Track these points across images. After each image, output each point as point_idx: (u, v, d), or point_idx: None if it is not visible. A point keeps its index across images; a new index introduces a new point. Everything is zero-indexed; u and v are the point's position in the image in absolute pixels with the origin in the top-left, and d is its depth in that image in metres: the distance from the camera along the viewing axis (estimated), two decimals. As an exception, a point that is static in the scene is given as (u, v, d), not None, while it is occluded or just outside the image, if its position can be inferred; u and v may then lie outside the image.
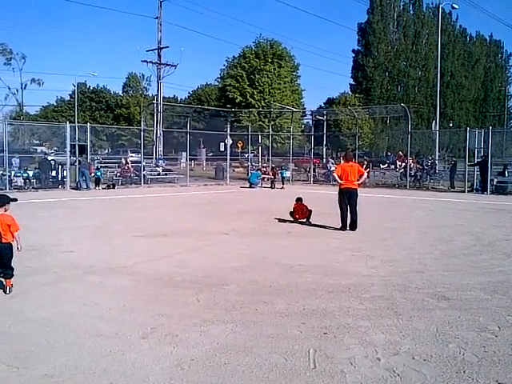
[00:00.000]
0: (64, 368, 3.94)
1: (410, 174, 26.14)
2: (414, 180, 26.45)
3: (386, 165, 31.61)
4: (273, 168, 28.54)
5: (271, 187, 26.11)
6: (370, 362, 4.08)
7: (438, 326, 4.92)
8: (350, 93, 65.31)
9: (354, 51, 67.74)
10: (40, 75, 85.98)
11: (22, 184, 22.20)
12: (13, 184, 21.66)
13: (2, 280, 5.93)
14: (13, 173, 22.03)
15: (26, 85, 67.08)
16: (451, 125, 63.19)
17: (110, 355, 4.19)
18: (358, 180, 11.46)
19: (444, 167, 30.37)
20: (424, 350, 4.31)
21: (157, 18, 38.19)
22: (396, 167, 29.47)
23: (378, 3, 64.74)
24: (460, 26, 74.11)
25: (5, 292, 5.80)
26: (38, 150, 34.99)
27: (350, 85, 68.00)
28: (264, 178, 27.50)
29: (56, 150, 34.90)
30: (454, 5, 41.40)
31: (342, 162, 12.25)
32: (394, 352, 4.28)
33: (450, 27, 70.65)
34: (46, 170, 22.96)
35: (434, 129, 37.80)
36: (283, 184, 26.45)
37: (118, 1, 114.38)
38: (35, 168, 23.40)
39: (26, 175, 22.56)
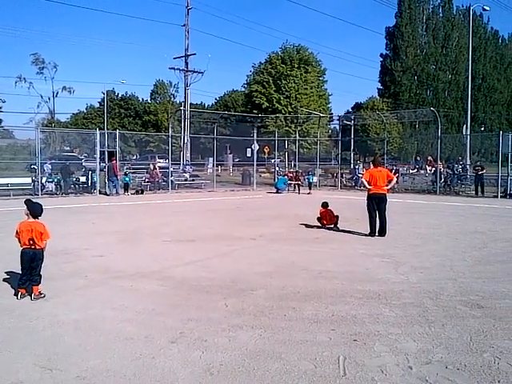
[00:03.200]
0: (96, 371, 3.99)
1: (440, 179, 25.67)
2: (445, 185, 25.98)
3: (416, 170, 31.15)
4: (297, 172, 28.31)
5: (298, 192, 26.01)
6: (401, 371, 4.01)
7: (471, 334, 4.81)
8: (378, 97, 64.74)
9: (381, 55, 67.21)
10: (71, 83, 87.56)
11: (54, 189, 22.64)
12: (44, 189, 22.09)
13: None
14: (44, 179, 22.46)
15: (57, 93, 68.30)
16: (483, 129, 62.00)
17: (140, 359, 4.23)
18: (386, 185, 11.34)
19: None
20: (457, 359, 4.22)
21: (184, 25, 38.67)
22: (426, 172, 29.02)
23: (407, 6, 64.07)
24: (492, 28, 72.87)
25: (31, 298, 5.89)
26: (81, 157, 35.45)
27: (378, 89, 67.43)
28: (291, 183, 27.36)
29: (86, 157, 35.49)
30: (485, 7, 40.66)
31: (371, 167, 12.11)
32: (426, 361, 4.20)
33: (482, 29, 69.47)
34: (66, 175, 23.21)
35: (464, 133, 37.11)
36: (310, 189, 26.30)
37: (145, 9, 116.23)
38: (56, 173, 23.64)
39: (57, 181, 22.98)
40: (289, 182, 27.40)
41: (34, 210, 6.01)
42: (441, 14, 66.96)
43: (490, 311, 5.54)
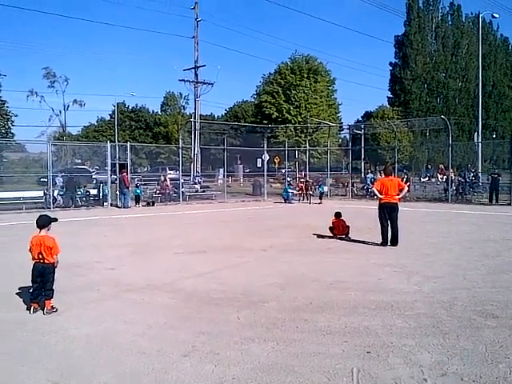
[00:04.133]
0: (107, 386, 3.98)
1: (451, 187, 25.48)
2: (456, 193, 25.78)
3: (427, 178, 30.96)
4: (307, 182, 28.17)
5: (309, 202, 25.93)
6: (416, 383, 3.95)
7: (486, 345, 4.74)
8: (388, 106, 64.53)
9: (391, 64, 67.05)
10: (82, 96, 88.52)
11: (65, 203, 22.74)
12: (56, 202, 22.23)
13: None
14: (56, 192, 22.59)
15: (68, 106, 69.31)
16: (494, 136, 61.50)
17: (152, 373, 4.21)
18: (398, 194, 11.26)
19: (488, 180, 29.49)
20: (473, 371, 4.15)
21: (193, 37, 38.95)
22: (438, 180, 28.83)
23: (416, 15, 64.05)
24: (501, 35, 72.51)
25: (43, 313, 5.90)
26: (91, 170, 35.66)
27: (388, 98, 67.21)
28: (306, 193, 27.16)
29: (97, 169, 35.74)
30: (494, 14, 40.65)
31: (382, 176, 12.04)
32: (441, 372, 4.14)
33: (491, 37, 69.12)
34: (71, 189, 23.08)
35: (476, 140, 36.84)
36: (321, 199, 26.21)
37: (155, 22, 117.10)
38: (61, 187, 23.65)
39: (63, 194, 23.07)
40: (298, 191, 27.29)
41: (37, 221, 6.06)
42: (450, 22, 66.85)
43: (504, 321, 5.46)
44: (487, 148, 40.29)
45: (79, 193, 23.45)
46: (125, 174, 23.36)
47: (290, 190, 27.06)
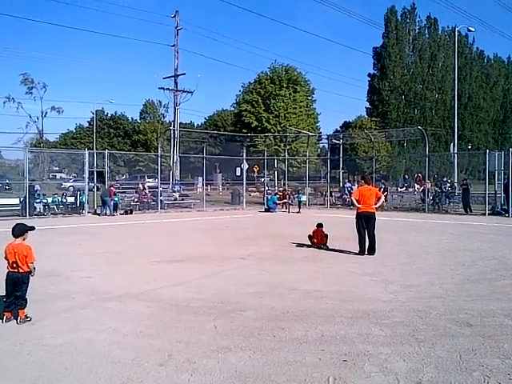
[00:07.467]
0: (81, 396, 3.91)
1: (428, 197, 25.82)
2: (433, 203, 26.11)
3: (404, 188, 31.32)
4: (285, 191, 28.30)
5: (288, 211, 26.00)
6: (391, 391, 3.98)
7: (461, 353, 4.80)
8: (367, 116, 65.22)
9: (369, 75, 67.90)
10: (60, 103, 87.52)
11: (42, 210, 22.40)
12: (34, 211, 21.81)
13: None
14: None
15: (46, 113, 67.91)
16: (470, 147, 62.73)
17: (127, 382, 4.17)
18: (375, 204, 11.38)
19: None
20: (447, 379, 4.20)
21: (173, 45, 38.96)
22: (415, 190, 29.19)
23: (394, 27, 65.15)
24: (477, 48, 74.30)
25: (17, 322, 5.79)
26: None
27: (366, 108, 68.00)
28: (285, 202, 27.26)
29: (75, 177, 35.36)
30: (470, 27, 41.37)
31: (359, 184, 12.15)
32: (416, 380, 4.18)
33: (467, 50, 70.78)
34: (30, 196, 21.82)
35: (452, 151, 37.43)
36: (299, 208, 26.31)
37: (135, 29, 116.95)
38: (37, 194, 22.96)
39: (45, 201, 22.74)
40: (279, 202, 27.39)
41: (13, 230, 5.97)
42: (427, 35, 68.22)
43: (479, 329, 5.55)
44: (463, 159, 41.02)
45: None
46: (112, 188, 23.44)
47: (277, 201, 27.02)
